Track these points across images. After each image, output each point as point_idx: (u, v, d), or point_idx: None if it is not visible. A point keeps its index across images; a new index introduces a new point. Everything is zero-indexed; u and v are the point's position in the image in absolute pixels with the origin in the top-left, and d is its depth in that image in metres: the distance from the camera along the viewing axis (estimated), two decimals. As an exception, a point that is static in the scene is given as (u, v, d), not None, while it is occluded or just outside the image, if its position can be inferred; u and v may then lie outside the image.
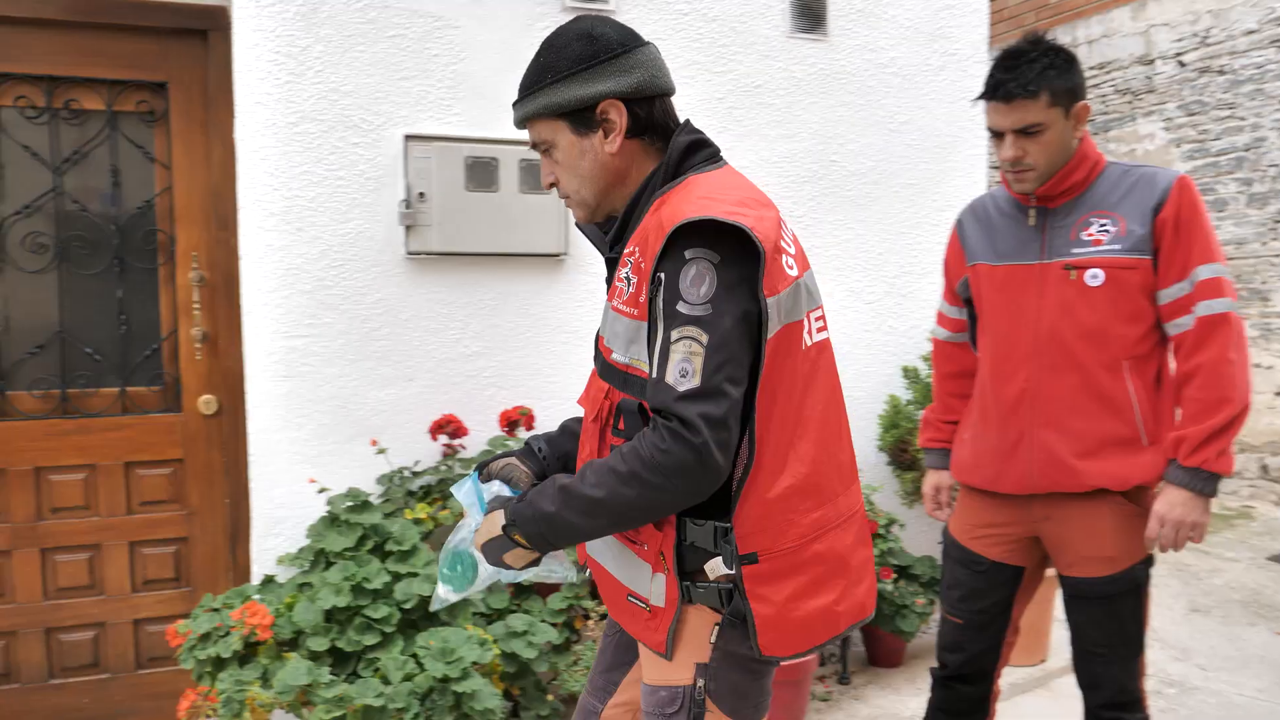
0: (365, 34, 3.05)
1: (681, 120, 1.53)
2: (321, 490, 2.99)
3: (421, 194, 3.07)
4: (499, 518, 1.46)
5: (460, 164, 3.10)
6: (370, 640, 2.61)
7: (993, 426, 2.22)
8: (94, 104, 3.09)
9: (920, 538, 3.70)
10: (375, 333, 3.09)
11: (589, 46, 1.44)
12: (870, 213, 3.68)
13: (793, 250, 1.42)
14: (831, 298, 3.62)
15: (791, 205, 3.56)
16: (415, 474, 3.08)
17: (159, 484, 3.18)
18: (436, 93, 3.13)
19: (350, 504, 2.90)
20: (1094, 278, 2.07)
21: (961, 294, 2.36)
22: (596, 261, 3.33)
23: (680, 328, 1.31)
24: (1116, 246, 2.06)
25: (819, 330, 1.45)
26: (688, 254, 1.31)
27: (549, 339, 3.29)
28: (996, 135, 2.11)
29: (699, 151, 1.48)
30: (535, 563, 1.50)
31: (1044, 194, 2.11)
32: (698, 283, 1.30)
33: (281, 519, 3.02)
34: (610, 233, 1.52)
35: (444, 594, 1.59)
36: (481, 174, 3.13)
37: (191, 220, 3.16)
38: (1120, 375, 2.08)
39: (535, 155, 3.15)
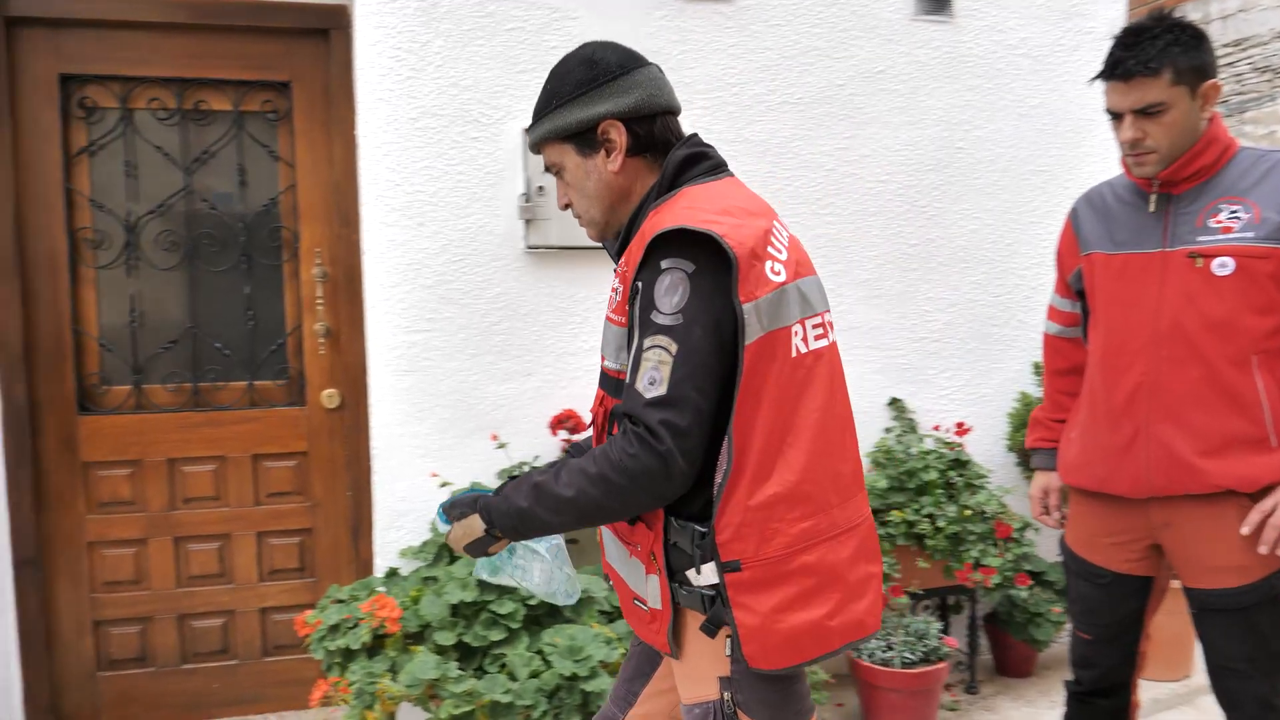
0: (484, 28, 3.04)
1: (687, 135, 1.54)
2: (443, 484, 3.00)
3: (540, 188, 3.05)
4: (478, 521, 1.52)
5: (579, 157, 3.06)
6: (496, 636, 2.60)
7: (1103, 423, 2.08)
8: (221, 104, 3.15)
9: (1055, 543, 3.53)
10: (495, 327, 3.09)
11: (589, 71, 1.48)
12: (998, 201, 3.52)
13: (783, 256, 1.41)
14: (957, 290, 3.48)
15: (915, 195, 3.43)
16: (536, 468, 3.06)
17: (284, 476, 3.24)
18: (555, 85, 3.10)
19: (472, 499, 2.89)
20: (1222, 267, 1.92)
21: (1074, 286, 2.23)
22: (714, 254, 3.26)
23: (652, 336, 1.34)
24: (1249, 234, 1.91)
25: (818, 339, 1.43)
26: (664, 264, 1.35)
27: (666, 334, 3.22)
28: (1115, 117, 1.97)
29: (697, 164, 1.49)
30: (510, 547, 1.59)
31: (1167, 179, 1.97)
32: (671, 292, 1.33)
33: (404, 512, 3.04)
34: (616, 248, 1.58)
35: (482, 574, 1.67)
36: (600, 167, 3.08)
37: (314, 217, 3.21)
38: (1248, 371, 1.93)
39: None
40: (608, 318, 1.49)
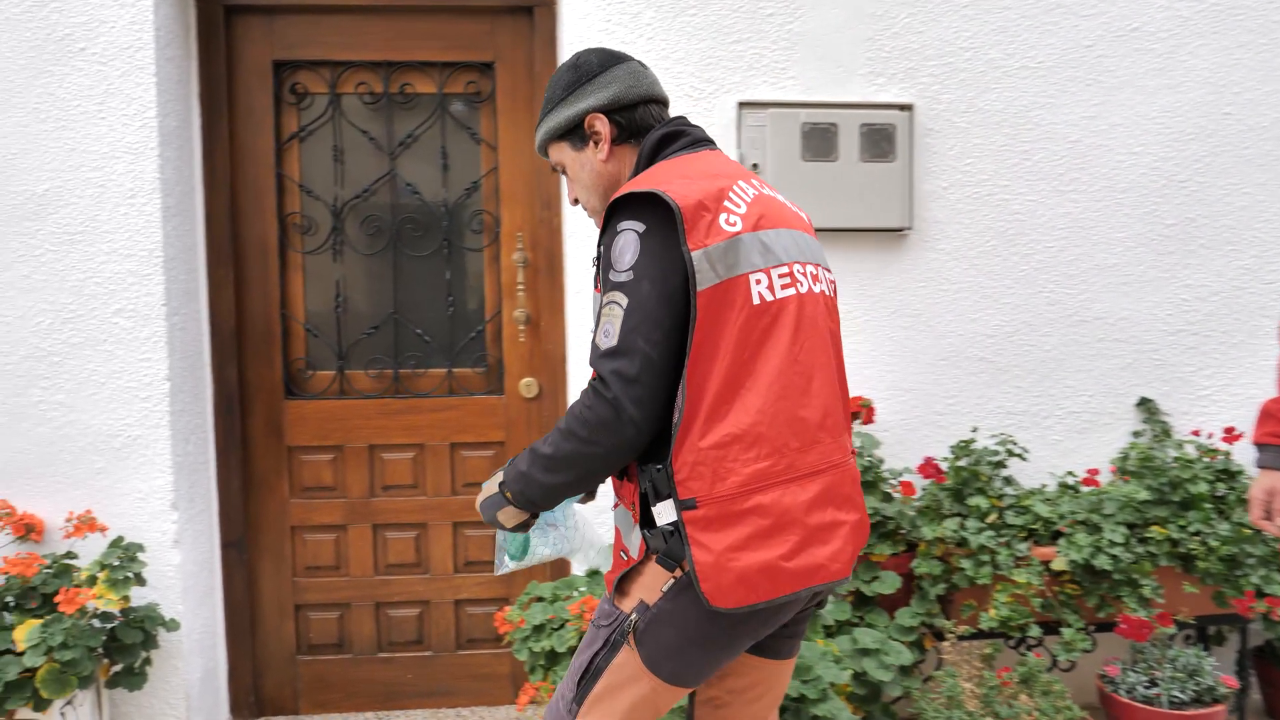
0: (695, -4, 2.86)
1: (674, 117, 1.64)
2: (648, 481, 2.84)
3: (755, 165, 2.84)
4: (497, 477, 1.60)
5: (796, 131, 2.84)
6: (712, 647, 2.41)
7: None
8: (426, 87, 3.09)
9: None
10: (702, 315, 2.90)
11: (573, 74, 1.63)
12: (1272, 175, 3.06)
13: (741, 210, 1.46)
14: (1221, 277, 3.05)
15: (1173, 169, 3.02)
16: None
17: (482, 466, 3.16)
18: (771, 55, 2.89)
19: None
20: None
21: None
22: (943, 239, 2.97)
23: (609, 293, 1.45)
24: None
25: (784, 288, 1.46)
26: (619, 226, 1.45)
27: (888, 323, 2.96)
28: None
29: (674, 142, 1.59)
30: (524, 526, 1.62)
31: None
32: (624, 251, 1.43)
33: (604, 509, 2.89)
34: None
35: (509, 564, 1.73)
36: (819, 142, 2.85)
37: (516, 200, 3.11)
38: None
39: (879, 120, 2.85)
40: (595, 290, 1.56)
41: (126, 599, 2.63)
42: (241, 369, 3.09)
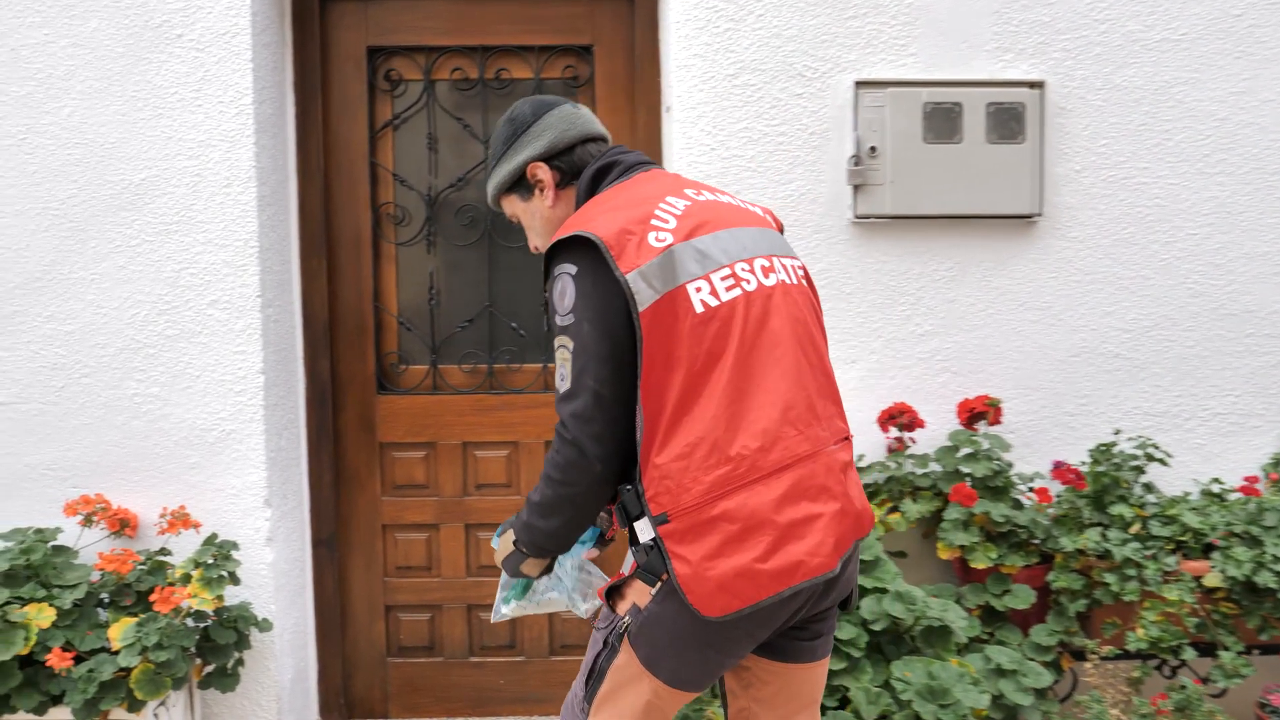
0: (808, -31, 2.69)
1: (607, 149, 1.68)
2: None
3: (873, 148, 2.67)
4: (509, 535, 1.66)
5: (918, 112, 2.66)
6: (835, 664, 2.24)
7: None
8: (523, 72, 2.98)
9: None
10: (815, 308, 2.73)
11: (509, 128, 1.69)
12: None
13: (670, 225, 1.47)
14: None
15: (1332, 150, 2.76)
16: (860, 470, 2.69)
17: (577, 466, 3.04)
18: (890, 31, 2.71)
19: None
20: None
21: None
22: (1074, 226, 2.76)
23: (558, 337, 1.50)
24: None
25: (729, 289, 1.46)
26: (555, 271, 1.51)
27: (1015, 317, 2.76)
28: None
29: (607, 175, 1.63)
30: (548, 569, 1.69)
31: None
32: (562, 295, 1.48)
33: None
34: None
35: (504, 610, 1.77)
36: (942, 122, 2.66)
37: (615, 188, 2.97)
38: None
39: (1007, 99, 2.66)
40: None
41: (220, 598, 2.56)
42: (334, 362, 3.01)
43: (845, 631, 2.26)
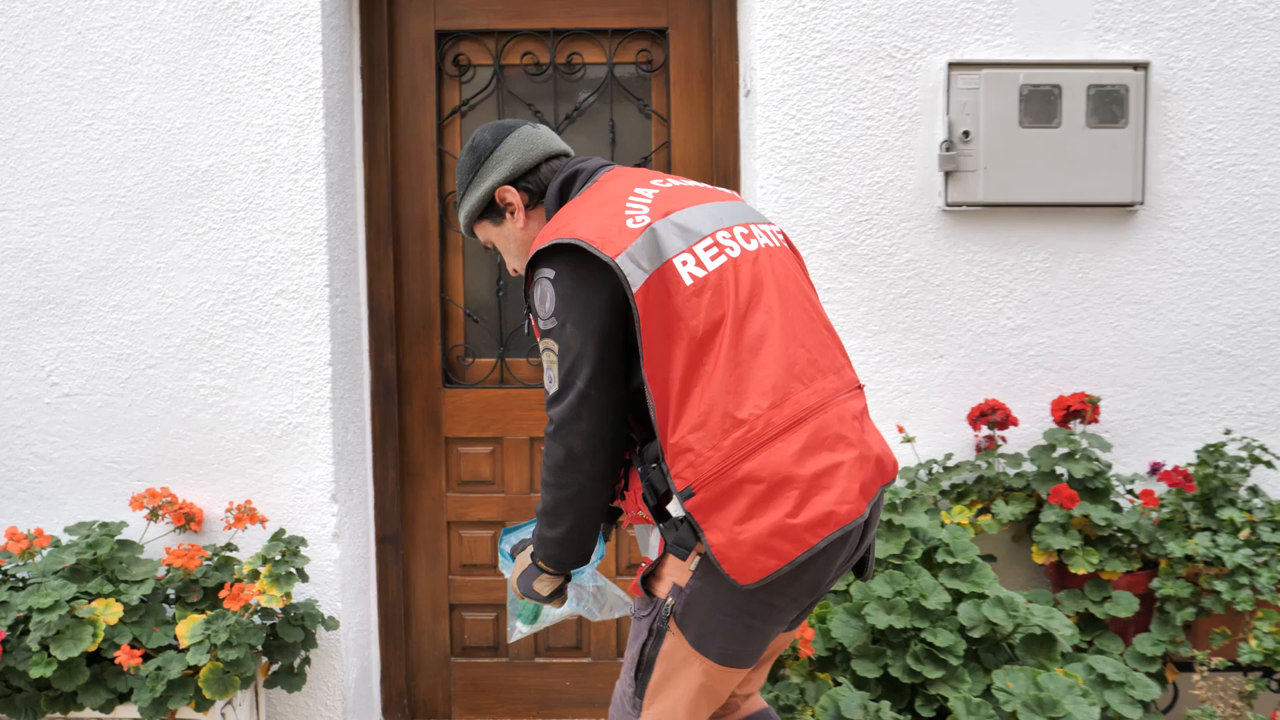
0: (897, -53, 2.58)
1: (568, 162, 1.71)
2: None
3: (966, 133, 2.55)
4: (527, 550, 1.70)
5: (1014, 95, 2.54)
6: (932, 672, 2.14)
7: None
8: (594, 57, 2.89)
9: None
10: (902, 299, 2.62)
11: (472, 156, 1.72)
12: None
13: (644, 210, 1.51)
14: None
15: None
16: (947, 469, 2.58)
17: (647, 463, 2.95)
18: (985, 9, 2.59)
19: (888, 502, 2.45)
20: None
21: None
22: (1177, 216, 2.63)
23: (542, 341, 1.54)
24: None
25: (714, 258, 1.48)
26: (535, 277, 1.54)
27: (1112, 311, 2.63)
28: None
29: (571, 185, 1.66)
30: (560, 591, 1.68)
31: None
32: (543, 300, 1.51)
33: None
34: None
35: (522, 628, 1.84)
36: (1039, 106, 2.54)
37: (690, 175, 2.88)
38: None
39: (1108, 81, 2.53)
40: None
41: (288, 595, 2.50)
42: (399, 355, 2.94)
43: (941, 638, 2.15)
